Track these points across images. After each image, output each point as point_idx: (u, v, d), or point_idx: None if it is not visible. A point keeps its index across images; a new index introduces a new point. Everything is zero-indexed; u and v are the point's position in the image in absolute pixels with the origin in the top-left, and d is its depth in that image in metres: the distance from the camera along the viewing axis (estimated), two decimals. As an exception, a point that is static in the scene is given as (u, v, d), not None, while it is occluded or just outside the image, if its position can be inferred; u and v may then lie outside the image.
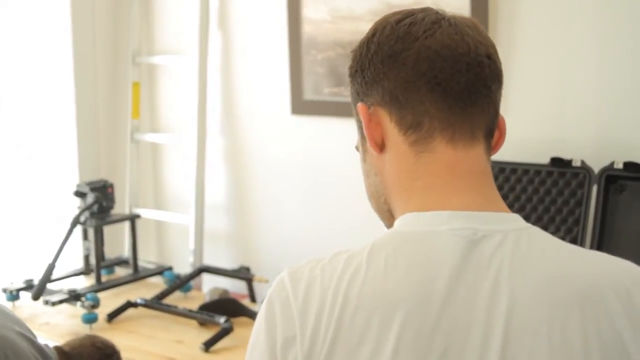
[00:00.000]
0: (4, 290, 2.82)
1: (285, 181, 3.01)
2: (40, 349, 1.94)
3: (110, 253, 3.19)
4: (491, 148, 1.02)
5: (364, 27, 1.07)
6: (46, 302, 2.67)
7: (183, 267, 3.11)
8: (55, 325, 2.63)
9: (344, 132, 2.81)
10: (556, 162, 2.25)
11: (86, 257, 3.05)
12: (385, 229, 1.06)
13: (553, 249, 0.94)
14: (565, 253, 0.94)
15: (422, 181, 0.98)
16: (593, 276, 0.90)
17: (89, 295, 2.66)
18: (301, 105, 2.90)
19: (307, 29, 2.82)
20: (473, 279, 0.89)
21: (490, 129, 1.00)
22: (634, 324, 0.88)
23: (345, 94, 2.77)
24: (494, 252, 0.90)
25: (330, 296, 0.89)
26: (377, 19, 1.06)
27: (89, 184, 2.94)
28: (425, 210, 0.95)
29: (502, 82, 1.02)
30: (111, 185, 2.98)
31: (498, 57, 1.01)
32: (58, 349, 2.04)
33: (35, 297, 2.69)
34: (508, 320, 0.86)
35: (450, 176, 0.97)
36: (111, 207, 2.99)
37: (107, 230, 3.09)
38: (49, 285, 2.79)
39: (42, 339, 2.00)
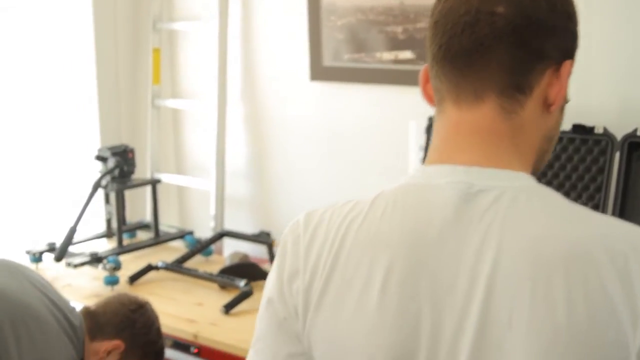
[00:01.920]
0: (28, 253, 2.87)
1: (305, 146, 3.02)
2: (64, 314, 1.96)
3: (131, 217, 3.23)
4: (539, 105, 0.98)
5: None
6: (68, 264, 2.71)
7: (204, 232, 3.14)
8: (77, 287, 2.67)
9: (363, 98, 2.81)
10: (578, 129, 2.24)
11: (108, 221, 3.08)
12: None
13: (552, 209, 0.93)
14: (565, 214, 0.93)
15: (436, 140, 1.02)
16: (586, 237, 0.90)
17: (110, 258, 2.70)
18: (320, 71, 2.89)
19: (327, -6, 2.81)
20: (463, 231, 0.92)
21: (517, 86, 0.97)
22: (626, 288, 0.86)
23: (366, 59, 2.76)
24: (488, 207, 0.92)
25: (332, 236, 0.98)
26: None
27: (110, 148, 2.97)
28: (431, 165, 1.00)
29: (529, 32, 0.96)
30: (132, 150, 3.00)
31: (516, 9, 0.95)
32: (85, 309, 2.07)
33: (58, 259, 2.73)
34: (492, 274, 0.89)
35: (455, 135, 0.99)
36: (132, 172, 3.01)
37: (129, 195, 3.12)
38: (71, 248, 2.82)
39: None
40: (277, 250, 1.04)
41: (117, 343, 2.01)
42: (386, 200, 0.97)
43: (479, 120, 0.98)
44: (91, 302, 2.18)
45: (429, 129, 2.47)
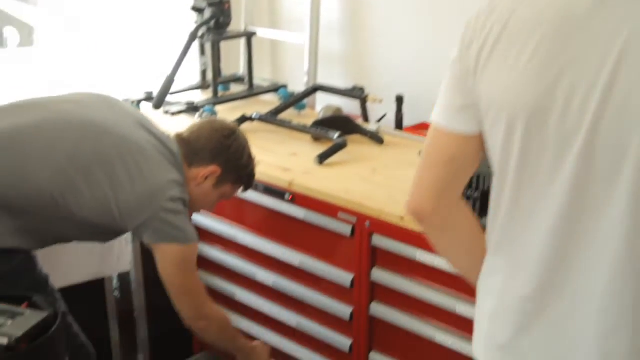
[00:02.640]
0: (126, 101, 2.93)
1: (402, 0, 2.93)
2: (163, 143, 2.01)
3: (225, 71, 3.24)
4: None
5: None
6: (166, 112, 2.77)
7: (297, 87, 3.13)
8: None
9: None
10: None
11: (203, 72, 3.11)
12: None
13: None
14: None
15: None
16: None
17: (206, 108, 2.74)
18: None
19: None
20: (607, 13, 1.07)
21: None
22: None
23: None
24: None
25: (504, 12, 1.18)
26: None
27: (209, 2, 2.93)
28: None
29: None
30: (228, 2, 2.97)
31: None
32: (178, 136, 2.11)
33: (156, 107, 2.79)
34: (624, 52, 1.06)
35: None
36: (227, 24, 2.99)
37: (223, 48, 3.11)
38: (168, 98, 2.87)
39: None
40: (464, 24, 1.25)
41: (213, 168, 2.07)
42: None
43: None
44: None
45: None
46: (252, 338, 2.56)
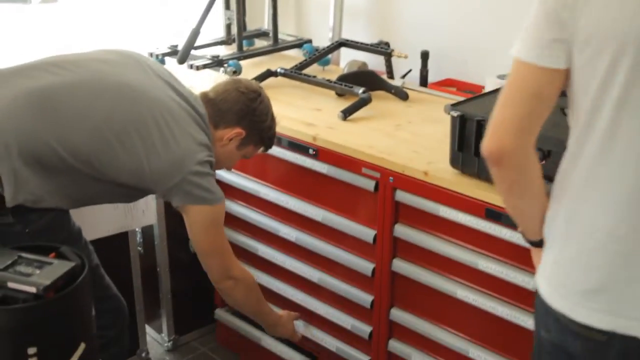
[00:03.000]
0: (150, 55, 2.92)
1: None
2: (191, 104, 2.02)
3: (249, 26, 3.22)
4: None
5: None
6: (190, 66, 2.76)
7: (321, 42, 3.11)
8: (199, 89, 2.72)
9: None
10: None
11: (228, 27, 3.09)
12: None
13: None
14: None
15: None
16: None
17: (231, 62, 2.73)
18: None
19: None
20: None
21: None
22: None
23: None
24: None
25: None
26: None
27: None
28: None
29: None
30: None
31: None
32: (204, 96, 2.12)
33: (181, 61, 2.78)
34: None
35: None
36: (252, -23, 2.96)
37: (247, 1, 3.09)
38: (193, 52, 2.86)
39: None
40: None
41: (238, 131, 2.08)
42: None
43: None
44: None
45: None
46: (273, 294, 2.59)
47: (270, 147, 2.22)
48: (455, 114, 1.93)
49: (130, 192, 2.02)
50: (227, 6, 3.03)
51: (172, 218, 2.39)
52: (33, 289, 1.57)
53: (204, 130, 2.02)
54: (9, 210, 1.81)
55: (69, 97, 1.89)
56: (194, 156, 1.96)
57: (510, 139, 1.32)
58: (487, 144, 1.34)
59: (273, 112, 2.18)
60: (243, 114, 2.09)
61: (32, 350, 1.57)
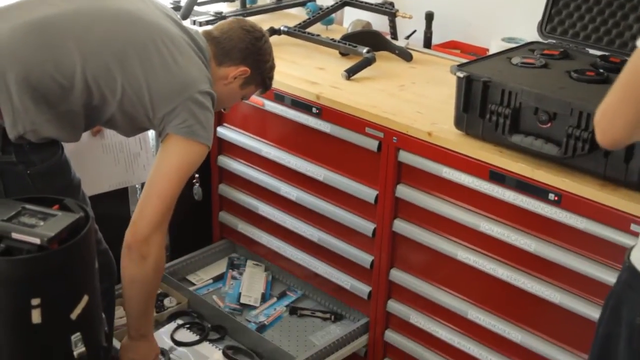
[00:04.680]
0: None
1: None
2: (191, 37, 1.98)
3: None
4: None
5: None
6: (194, 22, 2.73)
7: (325, 1, 3.08)
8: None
9: None
10: None
11: (230, -17, 3.05)
12: None
13: None
14: None
15: None
16: None
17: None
18: None
19: None
20: None
21: None
22: None
23: None
24: None
25: None
26: None
27: None
28: None
29: None
30: None
31: None
32: (207, 34, 2.08)
33: (184, 17, 2.75)
34: None
35: None
36: None
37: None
38: (196, 7, 2.83)
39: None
40: None
41: (244, 69, 2.05)
42: None
43: None
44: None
45: None
46: (273, 253, 2.60)
47: (269, 88, 2.18)
48: (461, 74, 1.92)
49: (128, 122, 1.95)
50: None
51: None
52: (37, 240, 1.56)
53: (204, 64, 1.98)
54: (13, 149, 1.81)
55: (66, 25, 1.84)
56: (197, 84, 1.91)
57: (624, 134, 1.28)
58: (601, 139, 1.32)
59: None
60: (248, 52, 2.06)
61: (35, 301, 1.57)
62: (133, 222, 1.92)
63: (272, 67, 2.14)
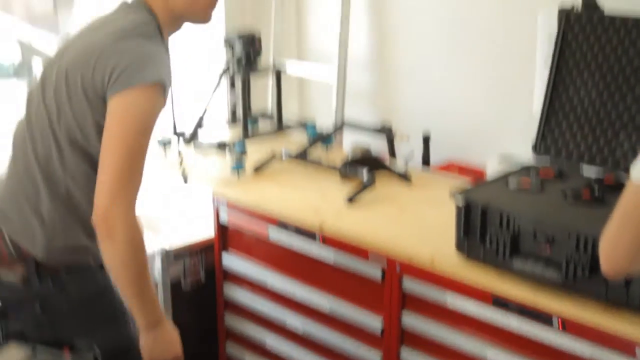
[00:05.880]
0: (159, 142, 2.88)
1: (430, 38, 2.96)
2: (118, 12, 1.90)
3: (252, 109, 3.26)
4: None
5: None
6: (197, 149, 2.79)
7: (324, 120, 3.15)
8: (204, 171, 2.77)
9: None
10: None
11: (233, 108, 3.12)
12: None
13: None
14: None
15: None
16: None
17: (238, 144, 2.74)
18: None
19: None
20: None
21: None
22: None
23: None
24: None
25: None
26: None
27: (240, 36, 2.93)
28: None
29: None
30: (259, 39, 2.95)
31: None
32: None
33: (189, 141, 2.82)
34: None
35: None
36: (258, 58, 2.97)
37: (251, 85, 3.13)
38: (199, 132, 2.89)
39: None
40: None
41: None
42: None
43: None
44: (219, 188, 2.20)
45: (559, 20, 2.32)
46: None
47: None
48: (460, 203, 1.95)
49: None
50: (233, 85, 3.07)
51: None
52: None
53: (136, 11, 1.85)
54: (49, 276, 1.80)
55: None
56: (125, 25, 1.79)
57: (625, 264, 1.33)
58: (604, 267, 1.36)
59: None
60: None
61: None
62: (94, 201, 1.72)
63: None
